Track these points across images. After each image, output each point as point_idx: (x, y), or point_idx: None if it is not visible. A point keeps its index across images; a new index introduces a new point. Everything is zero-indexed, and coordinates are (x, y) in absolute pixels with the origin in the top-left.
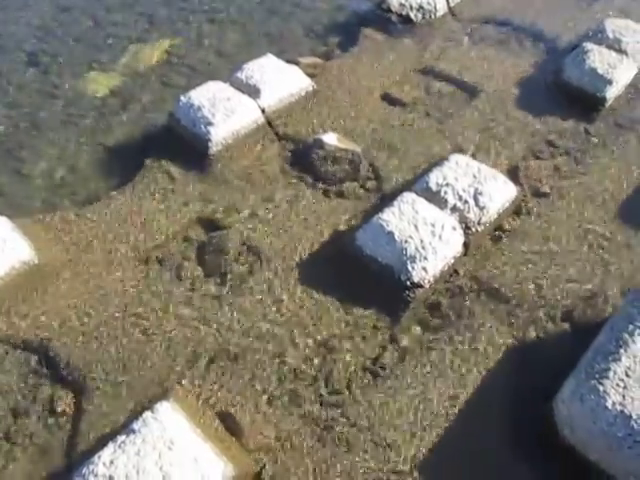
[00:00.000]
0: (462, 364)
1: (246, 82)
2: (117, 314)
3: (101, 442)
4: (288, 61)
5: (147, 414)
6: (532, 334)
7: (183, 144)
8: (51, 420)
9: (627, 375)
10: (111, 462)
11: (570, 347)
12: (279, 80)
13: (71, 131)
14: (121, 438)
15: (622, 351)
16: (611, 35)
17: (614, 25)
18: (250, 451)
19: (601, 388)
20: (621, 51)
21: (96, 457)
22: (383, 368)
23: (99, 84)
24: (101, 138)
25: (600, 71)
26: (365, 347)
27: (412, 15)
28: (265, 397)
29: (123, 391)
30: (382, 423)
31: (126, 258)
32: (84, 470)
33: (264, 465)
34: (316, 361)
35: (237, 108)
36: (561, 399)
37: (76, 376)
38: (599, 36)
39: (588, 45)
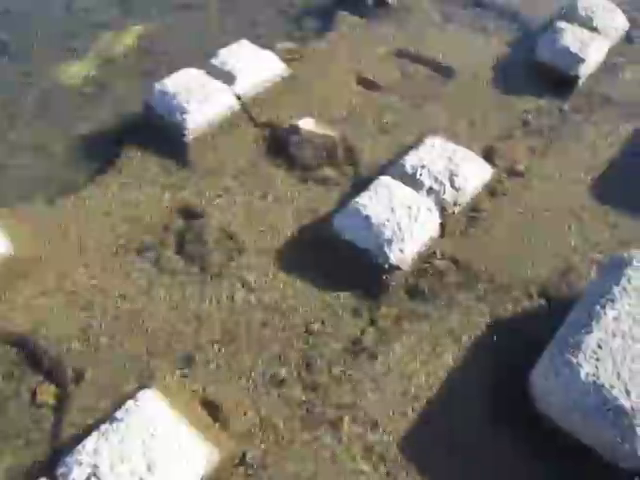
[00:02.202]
0: (441, 343)
1: (221, 68)
2: (97, 304)
3: (84, 432)
4: (263, 46)
5: (130, 402)
6: (509, 311)
7: (159, 132)
8: (33, 412)
9: (599, 347)
10: (95, 451)
11: (546, 322)
12: (254, 66)
13: (45, 121)
14: (104, 427)
15: (594, 323)
16: (583, 13)
17: (586, 3)
18: (233, 436)
19: (574, 361)
20: (593, 29)
21: (80, 446)
22: (363, 350)
23: (72, 72)
24: (75, 127)
25: (572, 49)
26: (345, 330)
27: None
28: (247, 382)
29: (105, 380)
30: (364, 404)
31: (104, 248)
32: (68, 459)
33: (247, 449)
34: (297, 345)
35: (212, 95)
36: (537, 373)
37: (57, 367)
38: (571, 14)
39: (561, 24)
